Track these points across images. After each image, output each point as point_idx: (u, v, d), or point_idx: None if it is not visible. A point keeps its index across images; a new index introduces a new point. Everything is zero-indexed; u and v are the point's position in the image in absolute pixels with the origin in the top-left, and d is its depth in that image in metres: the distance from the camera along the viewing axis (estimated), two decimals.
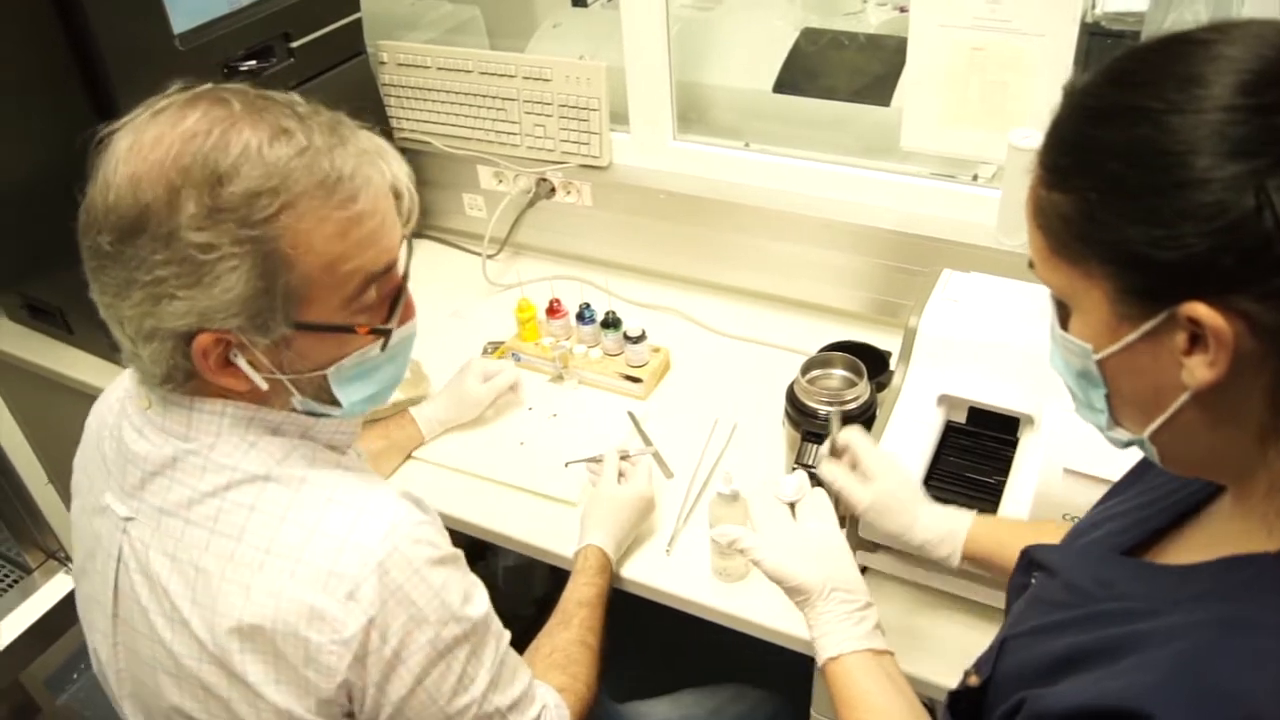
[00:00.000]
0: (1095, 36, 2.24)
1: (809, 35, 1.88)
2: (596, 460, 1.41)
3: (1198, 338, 0.58)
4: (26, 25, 1.36)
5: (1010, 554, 0.91)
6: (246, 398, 0.89)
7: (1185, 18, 1.59)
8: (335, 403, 0.93)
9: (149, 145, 0.79)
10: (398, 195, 0.90)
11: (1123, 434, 0.69)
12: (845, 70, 1.84)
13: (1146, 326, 0.61)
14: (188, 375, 0.86)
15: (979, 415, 1.22)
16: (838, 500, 1.07)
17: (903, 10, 2.27)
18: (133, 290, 0.80)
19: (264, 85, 1.58)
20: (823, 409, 1.26)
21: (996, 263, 1.39)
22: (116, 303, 0.83)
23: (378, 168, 0.87)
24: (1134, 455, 0.87)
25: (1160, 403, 0.63)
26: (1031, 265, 0.69)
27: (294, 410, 0.92)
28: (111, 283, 0.82)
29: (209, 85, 0.85)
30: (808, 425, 1.26)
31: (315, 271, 0.83)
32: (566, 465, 1.45)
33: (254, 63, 1.58)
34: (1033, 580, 0.83)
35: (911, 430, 1.20)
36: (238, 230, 0.79)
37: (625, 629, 1.27)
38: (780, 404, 1.33)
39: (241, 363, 0.85)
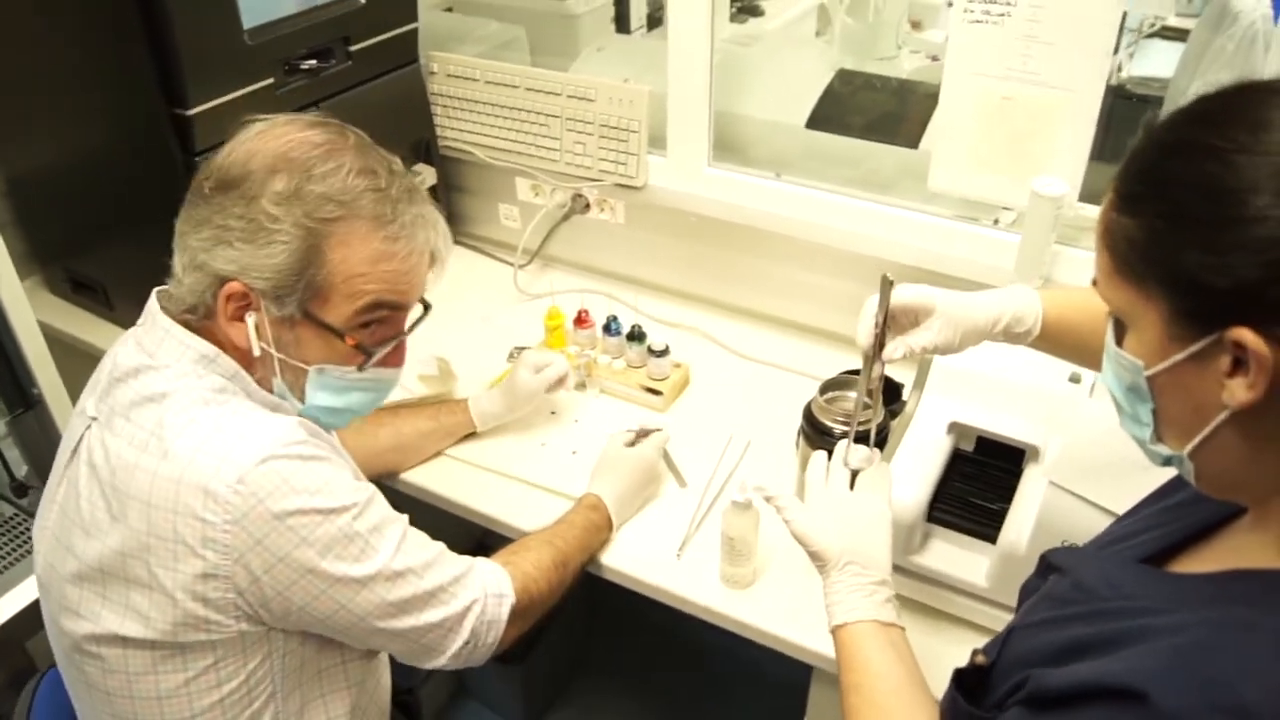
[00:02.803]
0: (1120, 99, 2.29)
1: (843, 76, 1.95)
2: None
3: (1240, 361, 0.63)
4: (109, 12, 1.43)
5: (1079, 318, 0.90)
6: (228, 351, 1.04)
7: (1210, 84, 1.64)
8: (300, 399, 1.08)
9: (274, 136, 1.02)
10: (433, 260, 1.08)
11: (1164, 449, 0.73)
12: (876, 112, 1.90)
13: (1195, 347, 0.66)
14: (206, 312, 1.04)
15: (986, 445, 1.27)
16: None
17: (934, 59, 2.35)
18: (205, 228, 1.00)
19: (321, 85, 1.67)
20: (838, 428, 1.31)
21: None
22: (190, 231, 1.02)
23: (426, 233, 1.06)
24: (1135, 485, 0.92)
25: (1201, 421, 0.68)
26: (1094, 283, 0.74)
27: (266, 386, 1.07)
28: (194, 216, 1.02)
29: (336, 122, 1.06)
30: (823, 444, 1.31)
31: (340, 277, 1.01)
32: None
33: (314, 62, 1.64)
34: (1049, 581, 0.86)
35: (921, 455, 1.25)
36: (302, 218, 0.99)
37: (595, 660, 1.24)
38: (794, 426, 1.38)
39: (249, 321, 1.02)
